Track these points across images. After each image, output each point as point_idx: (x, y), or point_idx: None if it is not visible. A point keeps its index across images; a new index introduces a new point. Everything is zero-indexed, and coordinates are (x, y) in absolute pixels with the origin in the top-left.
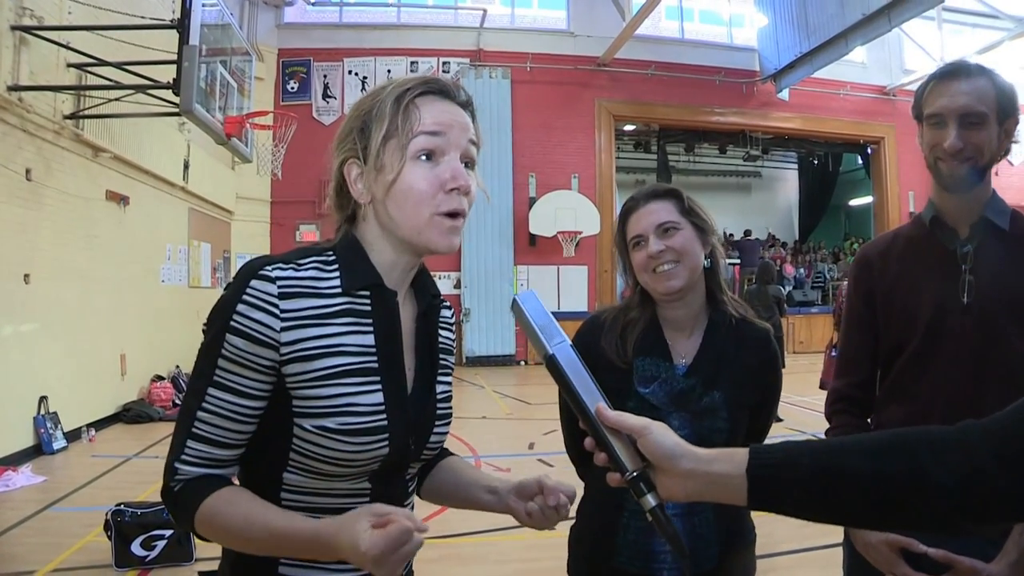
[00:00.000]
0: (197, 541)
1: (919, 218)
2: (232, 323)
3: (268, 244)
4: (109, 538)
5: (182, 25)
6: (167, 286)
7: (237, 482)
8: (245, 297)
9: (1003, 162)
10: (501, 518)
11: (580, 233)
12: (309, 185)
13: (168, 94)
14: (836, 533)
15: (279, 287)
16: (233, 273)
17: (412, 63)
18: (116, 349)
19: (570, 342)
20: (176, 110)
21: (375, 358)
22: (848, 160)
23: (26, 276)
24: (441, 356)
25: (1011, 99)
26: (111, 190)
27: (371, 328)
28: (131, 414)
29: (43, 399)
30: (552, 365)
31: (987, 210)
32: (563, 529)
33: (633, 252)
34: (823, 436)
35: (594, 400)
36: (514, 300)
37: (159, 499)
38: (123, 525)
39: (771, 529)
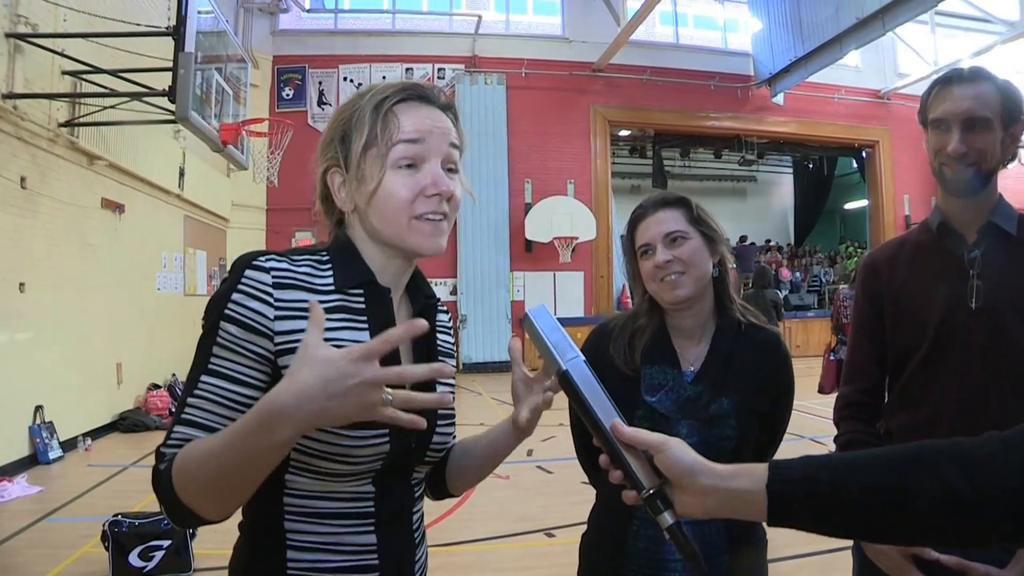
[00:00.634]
0: (196, 550)
1: (926, 223)
2: (227, 312)
3: None
4: (106, 549)
5: (177, 32)
6: (163, 294)
7: None
8: (240, 286)
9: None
10: (497, 527)
11: (576, 239)
12: (305, 192)
13: (163, 101)
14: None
15: (273, 277)
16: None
17: (407, 69)
18: (112, 358)
19: (583, 358)
20: (172, 117)
21: None
22: (843, 164)
23: (21, 285)
24: (442, 359)
25: (1016, 103)
26: (106, 198)
27: (366, 325)
28: (127, 423)
29: (39, 408)
30: (565, 381)
31: (994, 215)
32: (562, 537)
33: (641, 260)
34: (817, 439)
35: (609, 416)
36: (526, 315)
37: (156, 509)
38: (120, 535)
39: (774, 533)
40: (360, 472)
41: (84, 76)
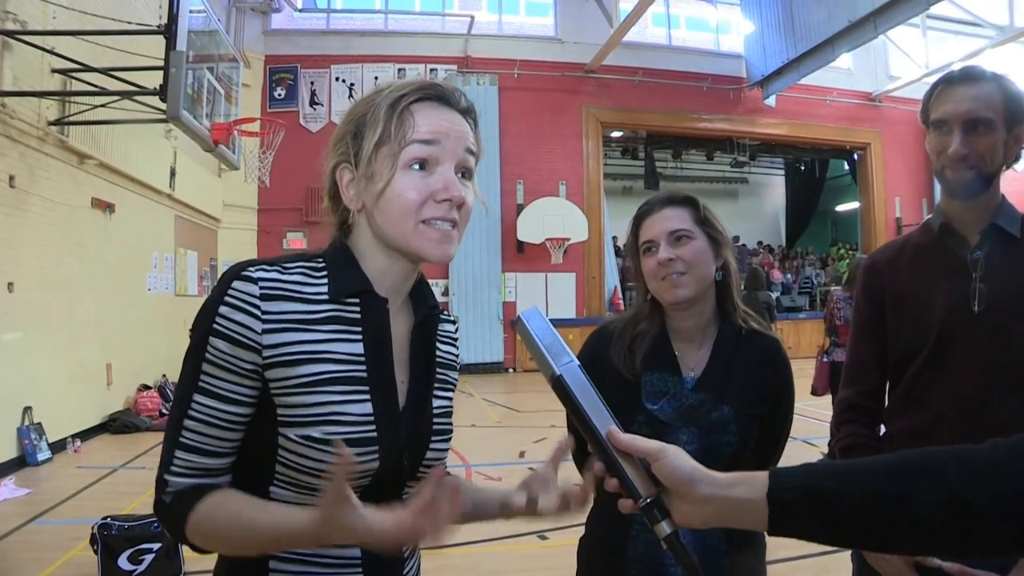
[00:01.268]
0: (186, 554)
1: (928, 225)
2: (215, 326)
3: (255, 252)
4: (95, 552)
5: (169, 31)
6: (153, 294)
7: None
8: (227, 299)
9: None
10: (492, 529)
11: (568, 240)
12: (296, 193)
13: (155, 100)
14: None
15: (261, 288)
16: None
17: (400, 70)
18: (102, 358)
19: (578, 362)
20: (163, 117)
21: (363, 367)
22: (835, 166)
23: (10, 285)
24: (441, 371)
25: (1020, 104)
26: (97, 197)
27: (359, 336)
28: (117, 424)
29: (27, 409)
30: (559, 387)
31: (997, 217)
32: (556, 539)
33: (644, 258)
34: (809, 441)
35: (604, 423)
36: (518, 318)
37: (147, 511)
38: (110, 539)
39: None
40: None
41: (74, 74)
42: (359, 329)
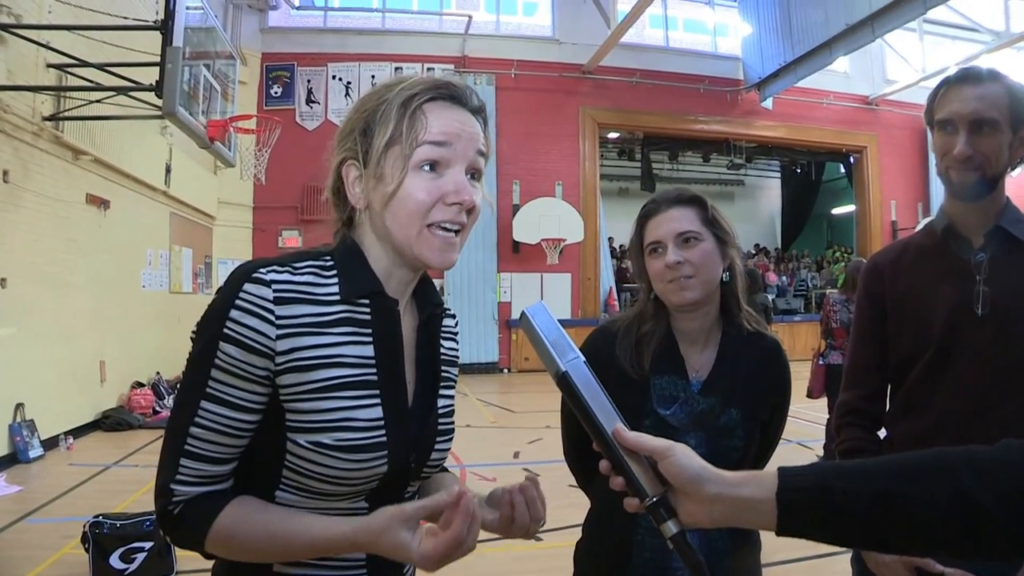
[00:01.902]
0: (178, 553)
1: (931, 226)
2: (225, 330)
3: (250, 250)
4: (87, 551)
5: (165, 26)
6: (148, 291)
7: None
8: (238, 302)
9: None
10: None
11: (564, 240)
12: (292, 191)
13: (150, 97)
14: (824, 545)
15: (275, 291)
16: (215, 279)
17: (396, 68)
18: (95, 355)
19: (583, 358)
20: (159, 113)
21: (374, 371)
22: (831, 169)
23: (3, 280)
24: (444, 368)
25: None
26: (91, 193)
27: (370, 339)
28: (110, 422)
29: (19, 406)
30: (565, 383)
31: (1002, 219)
32: (551, 540)
33: (649, 258)
34: (804, 443)
35: (611, 421)
36: (523, 313)
37: (139, 510)
38: (101, 537)
39: (766, 536)
40: (354, 492)
41: (69, 69)
42: (369, 331)
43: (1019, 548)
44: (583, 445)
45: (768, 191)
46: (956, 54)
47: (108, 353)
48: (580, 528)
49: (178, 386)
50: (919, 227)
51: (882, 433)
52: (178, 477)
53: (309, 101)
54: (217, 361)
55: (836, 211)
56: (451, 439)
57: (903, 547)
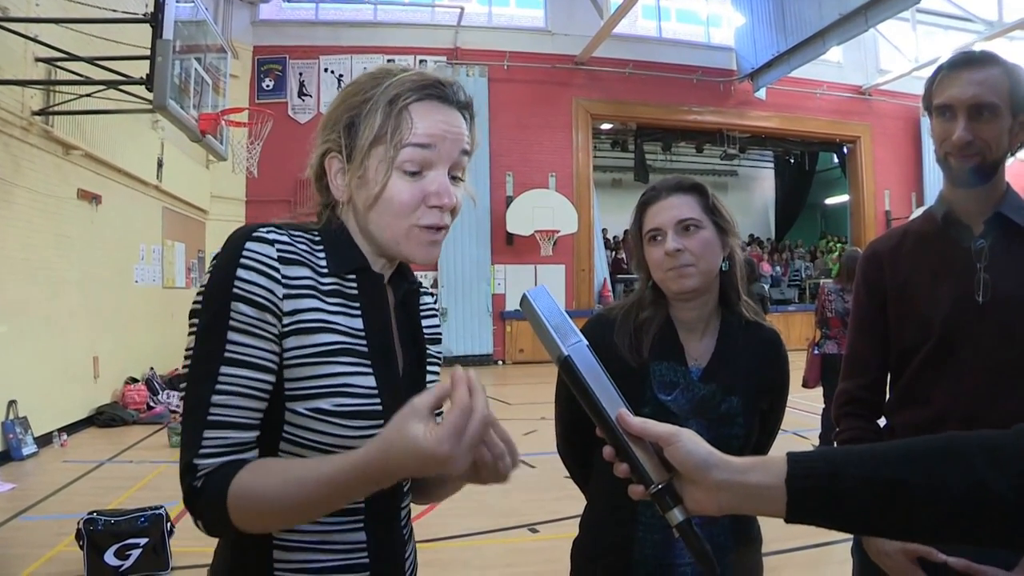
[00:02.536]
0: (173, 549)
1: (930, 213)
2: (235, 290)
3: None
4: (81, 548)
5: (155, 19)
6: (141, 287)
7: None
8: (244, 261)
9: None
10: (482, 522)
11: (557, 232)
12: (285, 184)
13: (141, 90)
14: (823, 534)
15: (278, 251)
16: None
17: (388, 61)
18: (88, 351)
19: (586, 342)
20: (149, 107)
21: (364, 342)
22: (824, 159)
23: None
24: (428, 345)
25: None
26: (83, 189)
27: (359, 312)
28: (104, 418)
29: (12, 403)
30: (567, 368)
31: (1002, 205)
32: (545, 533)
33: (648, 246)
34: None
35: (615, 406)
36: (524, 297)
37: (133, 506)
38: (96, 534)
39: (760, 526)
40: None
41: (59, 63)
42: (358, 305)
43: None
44: (578, 439)
45: (762, 181)
46: (949, 44)
47: (101, 349)
48: (575, 520)
49: (188, 364)
50: (913, 216)
51: (881, 422)
52: (202, 451)
53: (301, 94)
54: (232, 323)
55: (830, 201)
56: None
57: (915, 535)
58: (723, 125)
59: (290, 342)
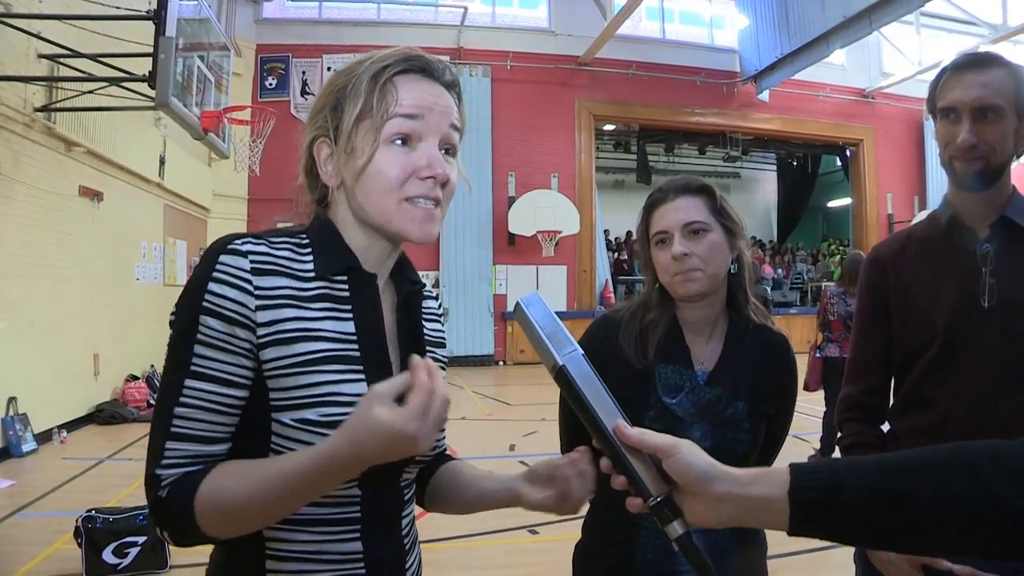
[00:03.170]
0: (172, 547)
1: (934, 217)
2: (205, 304)
3: None
4: (79, 545)
5: (158, 16)
6: (142, 284)
7: None
8: (215, 274)
9: None
10: (481, 523)
11: (559, 233)
12: (287, 182)
13: (144, 88)
14: None
15: (251, 262)
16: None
17: None
18: (89, 348)
19: (582, 351)
20: (152, 104)
21: (356, 347)
22: (827, 162)
23: None
24: (430, 349)
25: None
26: (84, 186)
27: (350, 315)
28: (104, 415)
29: (12, 400)
30: (562, 378)
31: (1008, 209)
32: (546, 534)
33: (655, 249)
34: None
35: (611, 417)
36: (517, 305)
37: (132, 504)
38: (94, 532)
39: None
40: None
41: (61, 60)
42: (348, 307)
43: None
44: (582, 442)
45: (764, 184)
46: (953, 47)
47: (102, 346)
48: (575, 521)
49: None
50: (915, 221)
51: (885, 427)
52: (164, 461)
53: (304, 92)
54: (199, 336)
55: (832, 204)
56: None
57: (922, 548)
58: (726, 127)
59: (269, 353)
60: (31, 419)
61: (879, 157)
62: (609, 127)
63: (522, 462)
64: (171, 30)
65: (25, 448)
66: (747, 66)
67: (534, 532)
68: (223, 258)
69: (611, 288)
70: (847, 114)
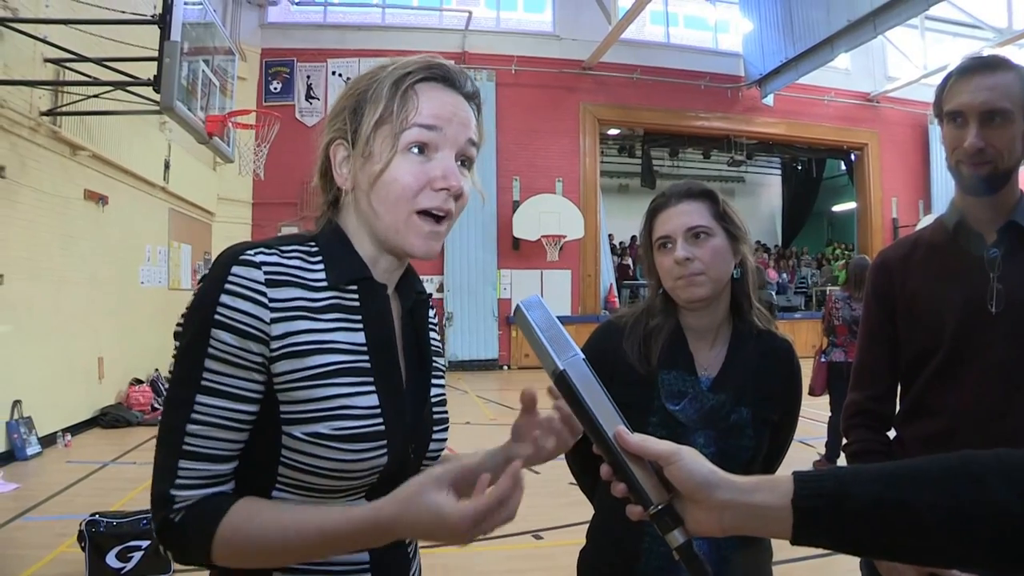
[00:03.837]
0: None
1: (941, 222)
2: (217, 316)
3: None
4: (83, 549)
5: (163, 21)
6: (146, 288)
7: None
8: (228, 286)
9: None
10: None
11: (564, 237)
12: (291, 187)
13: (149, 92)
14: None
15: (265, 273)
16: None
17: None
18: (93, 352)
19: (583, 356)
20: (157, 108)
21: (367, 357)
22: (831, 166)
23: (0, 277)
24: (433, 358)
25: None
26: (89, 189)
27: (360, 325)
28: (108, 419)
29: (16, 403)
30: (562, 383)
31: (1015, 214)
32: (549, 539)
33: (658, 254)
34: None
35: (612, 423)
36: (517, 308)
37: (136, 508)
38: (98, 536)
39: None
40: (355, 487)
41: (67, 64)
42: (359, 318)
43: None
44: (586, 448)
45: (768, 188)
46: (958, 51)
47: (106, 350)
48: (579, 527)
49: (167, 383)
50: (920, 225)
51: (891, 434)
52: (178, 481)
53: (308, 97)
54: (210, 350)
55: (836, 208)
56: (447, 428)
57: (927, 559)
58: (730, 131)
59: (282, 366)
60: (35, 422)
61: (884, 161)
62: (613, 131)
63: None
64: (176, 34)
65: (29, 451)
66: (751, 70)
67: (538, 537)
68: (236, 269)
69: (615, 292)
70: (852, 118)
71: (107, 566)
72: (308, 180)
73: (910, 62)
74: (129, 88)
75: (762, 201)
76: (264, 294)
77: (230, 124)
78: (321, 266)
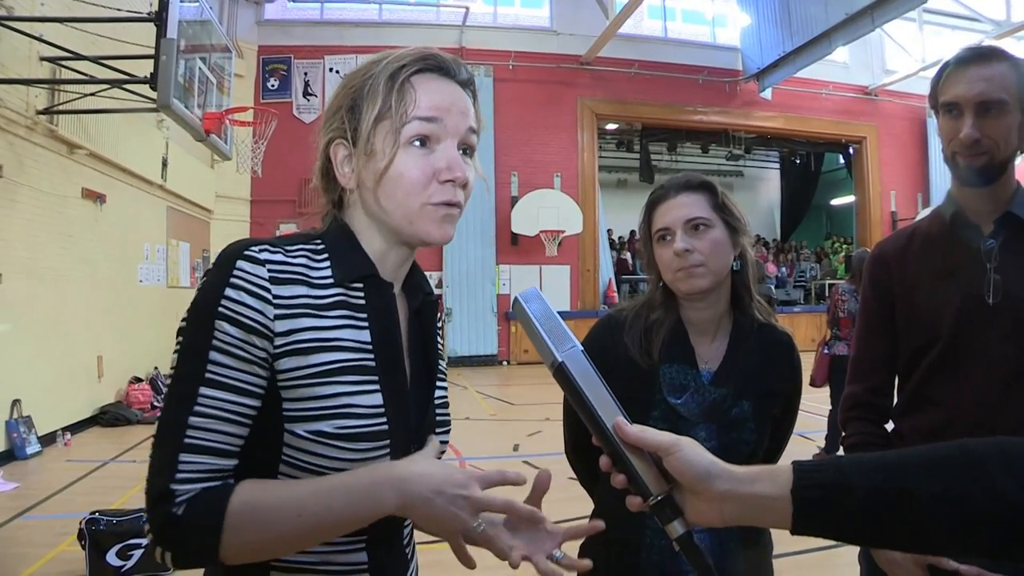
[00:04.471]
0: None
1: (938, 213)
2: (221, 309)
3: None
4: (83, 548)
5: (160, 18)
6: (145, 286)
7: None
8: (233, 280)
9: None
10: None
11: (562, 232)
12: (289, 184)
13: (146, 90)
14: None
15: (269, 271)
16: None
17: None
18: (92, 350)
19: (581, 348)
20: (153, 106)
21: (371, 356)
22: (830, 160)
23: None
24: (438, 360)
25: None
26: (87, 188)
27: (366, 323)
28: (108, 417)
29: (16, 402)
30: (561, 375)
31: (1012, 204)
32: None
33: (657, 246)
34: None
35: (611, 414)
36: (515, 300)
37: (136, 506)
38: (98, 534)
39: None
40: None
41: (63, 62)
42: (365, 316)
43: None
44: (587, 441)
45: (767, 182)
46: (956, 43)
47: (105, 348)
48: (579, 521)
49: (167, 381)
50: (919, 217)
51: (889, 426)
52: (179, 475)
53: (306, 94)
54: (215, 343)
55: (835, 202)
56: (449, 431)
57: (927, 547)
58: (728, 125)
59: (286, 363)
60: (35, 421)
61: (882, 154)
62: (611, 126)
63: (526, 462)
64: (172, 32)
65: (29, 450)
66: (749, 64)
67: None
68: (240, 264)
69: (615, 287)
70: (850, 111)
71: (107, 564)
72: (306, 177)
73: (908, 55)
74: (126, 86)
75: (761, 195)
76: (268, 290)
77: (227, 121)
78: (327, 264)
